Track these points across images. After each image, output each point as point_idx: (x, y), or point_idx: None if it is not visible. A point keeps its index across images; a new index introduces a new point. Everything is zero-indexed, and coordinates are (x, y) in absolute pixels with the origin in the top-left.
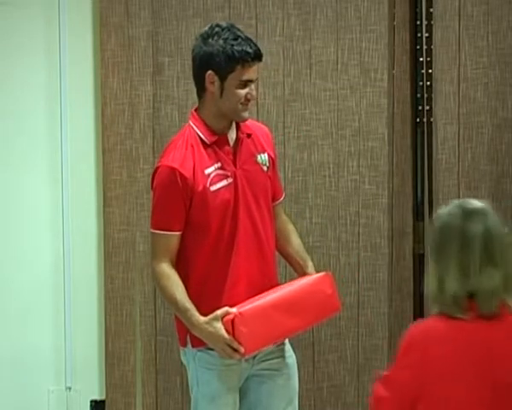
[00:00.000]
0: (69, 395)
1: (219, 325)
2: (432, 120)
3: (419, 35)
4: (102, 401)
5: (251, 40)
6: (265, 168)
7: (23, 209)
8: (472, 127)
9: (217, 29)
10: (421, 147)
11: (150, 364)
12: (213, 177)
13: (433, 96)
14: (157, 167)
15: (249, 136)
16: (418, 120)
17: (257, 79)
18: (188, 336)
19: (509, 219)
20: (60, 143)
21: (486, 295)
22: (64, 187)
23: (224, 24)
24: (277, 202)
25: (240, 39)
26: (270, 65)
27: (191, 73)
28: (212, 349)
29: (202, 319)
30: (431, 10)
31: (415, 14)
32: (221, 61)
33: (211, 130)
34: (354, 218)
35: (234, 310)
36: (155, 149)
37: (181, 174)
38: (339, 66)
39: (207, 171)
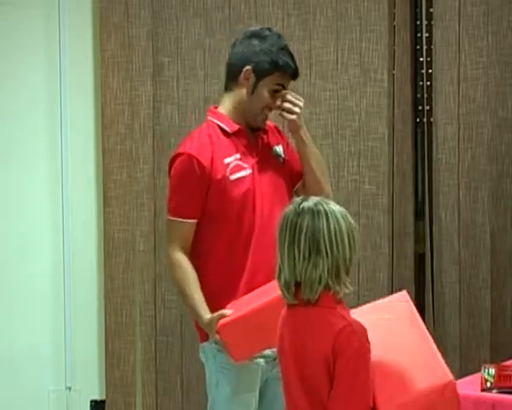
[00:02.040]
0: (69, 395)
1: (214, 331)
2: (432, 120)
3: (419, 35)
4: (102, 401)
5: (294, 57)
6: (281, 160)
7: (23, 209)
8: (472, 127)
9: (267, 32)
10: (421, 147)
11: (150, 364)
12: (233, 167)
13: (433, 96)
14: (175, 155)
15: (265, 132)
16: (418, 120)
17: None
18: None
19: (508, 220)
20: (60, 143)
21: (309, 283)
22: (64, 187)
23: (274, 31)
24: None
25: (286, 51)
26: None
27: (191, 72)
28: None
29: (205, 319)
30: (431, 10)
31: (415, 14)
32: (264, 61)
33: (232, 121)
34: (354, 218)
35: (230, 312)
36: (155, 149)
37: (198, 162)
38: (339, 66)
39: (227, 160)
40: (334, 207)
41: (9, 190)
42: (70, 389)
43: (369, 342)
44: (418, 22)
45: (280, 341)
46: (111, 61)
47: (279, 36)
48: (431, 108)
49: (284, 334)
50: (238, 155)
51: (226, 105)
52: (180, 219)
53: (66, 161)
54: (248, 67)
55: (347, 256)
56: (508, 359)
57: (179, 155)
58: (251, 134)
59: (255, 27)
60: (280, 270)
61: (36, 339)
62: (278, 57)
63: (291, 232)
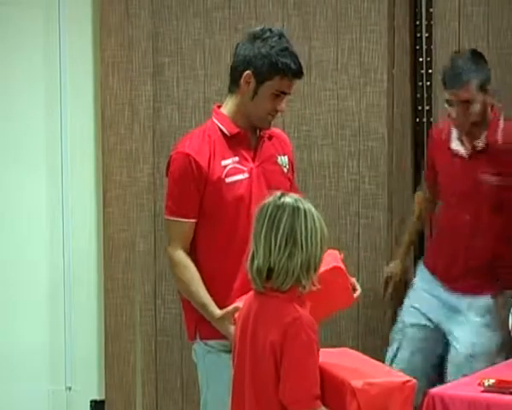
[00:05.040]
0: (69, 395)
1: (227, 324)
2: (432, 120)
3: (419, 35)
4: (102, 401)
5: (296, 56)
6: (285, 170)
7: (23, 209)
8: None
9: (268, 34)
10: (421, 147)
11: (150, 364)
12: (230, 169)
13: (432, 96)
14: (172, 155)
15: (270, 138)
16: (418, 119)
17: (290, 93)
18: (197, 329)
19: None
20: (60, 143)
21: (283, 272)
22: (64, 187)
23: (275, 31)
24: None
25: (286, 52)
26: None
27: (191, 72)
28: (224, 351)
29: (217, 313)
30: (431, 10)
31: (415, 14)
32: (263, 65)
33: (233, 124)
34: (354, 218)
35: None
36: (155, 149)
37: (195, 161)
38: (339, 66)
39: (224, 162)
40: (312, 208)
41: (9, 190)
42: (70, 389)
43: (316, 335)
44: (418, 22)
45: (244, 324)
46: (111, 61)
47: (280, 36)
48: (431, 108)
49: (249, 319)
50: (236, 158)
51: (229, 107)
52: (178, 219)
53: (65, 161)
54: (248, 72)
55: (318, 254)
56: (508, 359)
57: (177, 154)
58: (253, 138)
59: (257, 28)
60: (253, 256)
61: (36, 339)
62: (278, 60)
63: (269, 222)
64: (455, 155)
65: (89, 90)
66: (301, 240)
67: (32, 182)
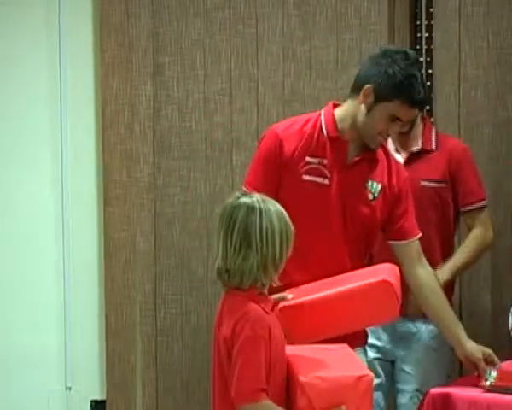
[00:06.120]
0: (69, 395)
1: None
2: (432, 120)
3: (419, 35)
4: (102, 401)
5: (423, 86)
6: (371, 196)
7: (24, 210)
8: (472, 127)
9: (400, 55)
10: None
11: (150, 364)
12: (312, 168)
13: (433, 96)
14: (269, 128)
15: (373, 160)
16: None
17: (408, 122)
18: None
19: (508, 219)
20: (60, 143)
21: (238, 273)
22: (64, 187)
23: (411, 54)
24: (402, 242)
25: (415, 79)
26: (270, 65)
27: (191, 72)
28: None
29: None
30: (431, 10)
31: (415, 14)
32: (386, 84)
33: (336, 127)
34: None
35: (290, 296)
36: (155, 149)
37: (281, 145)
38: (339, 66)
39: (309, 159)
40: (272, 207)
41: (10, 191)
42: (70, 389)
43: (263, 330)
44: (418, 22)
45: (217, 318)
46: (111, 61)
47: (413, 62)
48: (431, 107)
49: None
50: (325, 161)
51: (342, 110)
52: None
53: (66, 161)
54: (369, 86)
55: (277, 255)
56: (507, 359)
57: (269, 130)
58: (355, 151)
59: (393, 46)
60: (216, 257)
61: (36, 339)
62: (403, 84)
63: (226, 222)
64: None
65: (89, 91)
66: (256, 242)
67: (33, 182)
